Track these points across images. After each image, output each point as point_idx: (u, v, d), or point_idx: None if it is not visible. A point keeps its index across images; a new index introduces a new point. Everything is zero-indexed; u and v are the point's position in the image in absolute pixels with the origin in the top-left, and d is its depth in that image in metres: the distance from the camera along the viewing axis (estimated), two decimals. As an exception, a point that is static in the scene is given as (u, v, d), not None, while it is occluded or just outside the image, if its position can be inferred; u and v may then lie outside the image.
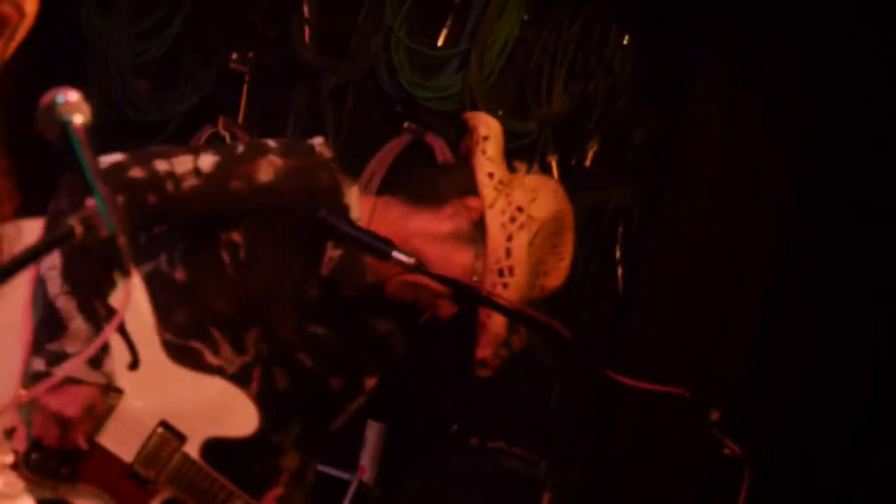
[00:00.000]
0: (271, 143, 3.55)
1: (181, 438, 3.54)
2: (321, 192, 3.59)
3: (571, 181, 5.06)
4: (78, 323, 3.35)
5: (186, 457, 3.54)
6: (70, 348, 3.34)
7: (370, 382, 3.92)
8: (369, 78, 5.44)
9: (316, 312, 3.63)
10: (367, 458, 4.93)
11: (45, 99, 2.39)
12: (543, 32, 5.16)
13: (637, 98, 5.04)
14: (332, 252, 3.66)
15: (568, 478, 4.05)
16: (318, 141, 3.66)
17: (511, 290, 3.67)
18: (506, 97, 5.22)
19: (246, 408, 3.58)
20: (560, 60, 5.13)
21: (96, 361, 3.40)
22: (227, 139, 5.42)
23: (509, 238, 3.59)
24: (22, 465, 3.44)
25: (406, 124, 5.35)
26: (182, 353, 3.56)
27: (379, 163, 5.35)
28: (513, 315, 3.88)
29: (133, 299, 3.22)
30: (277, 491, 3.87)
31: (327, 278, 3.62)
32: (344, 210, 3.64)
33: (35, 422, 3.45)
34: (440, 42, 5.37)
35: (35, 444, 3.45)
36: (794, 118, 4.75)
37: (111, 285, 3.38)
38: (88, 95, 3.81)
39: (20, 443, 3.45)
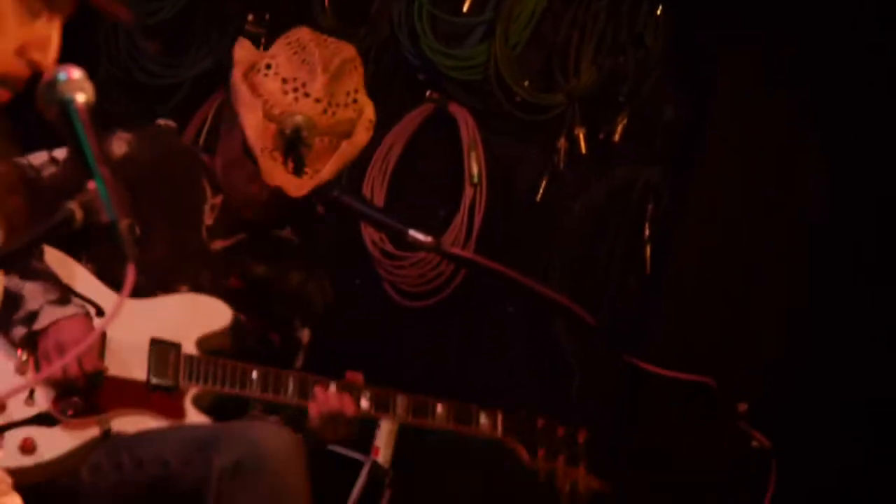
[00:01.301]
0: (115, 127, 3.98)
1: (176, 345, 3.83)
2: (179, 153, 4.05)
3: (599, 156, 4.98)
4: (29, 286, 3.67)
5: (190, 356, 3.83)
6: (34, 306, 3.66)
7: (304, 336, 4.17)
8: (390, 45, 5.29)
9: (224, 266, 3.98)
10: (381, 439, 4.81)
11: (47, 76, 2.29)
12: (573, 4, 5.01)
13: (668, 73, 4.89)
14: (213, 200, 3.99)
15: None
16: (159, 121, 4.14)
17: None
18: (532, 68, 5.07)
19: (214, 304, 3.91)
20: (589, 33, 4.98)
21: (63, 300, 3.69)
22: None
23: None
24: (60, 415, 3.68)
25: (428, 93, 5.21)
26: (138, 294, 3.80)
27: (399, 133, 5.21)
28: (540, 299, 3.90)
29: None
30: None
31: (213, 226, 3.97)
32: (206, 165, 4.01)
33: (46, 369, 3.65)
34: (465, 8, 5.23)
35: (62, 394, 3.69)
36: (828, 96, 4.62)
37: (39, 250, 3.72)
38: (96, 57, 3.69)
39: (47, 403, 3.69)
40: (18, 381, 3.67)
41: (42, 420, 3.69)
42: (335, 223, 4.95)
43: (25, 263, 3.68)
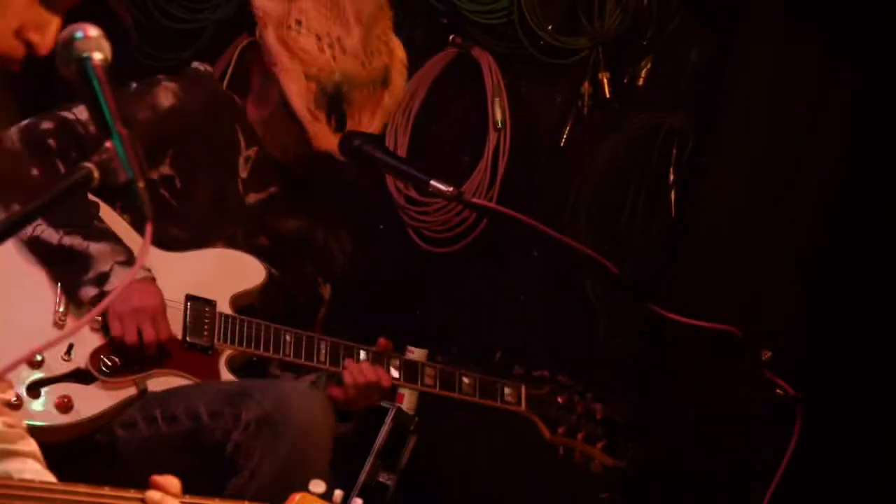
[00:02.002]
0: (158, 75, 3.98)
1: (211, 303, 3.84)
2: (220, 101, 4.01)
3: (624, 101, 4.94)
4: (95, 247, 3.69)
5: (225, 315, 3.84)
6: (104, 267, 3.67)
7: (326, 292, 4.21)
8: (413, -12, 5.25)
9: (258, 222, 3.99)
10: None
11: (64, 34, 2.27)
12: (596, -55, 4.96)
13: (693, 15, 4.83)
14: (247, 153, 3.99)
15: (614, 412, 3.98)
16: (196, 64, 4.12)
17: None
18: (556, 12, 5.02)
19: (249, 261, 3.93)
20: (613, -25, 4.94)
21: (132, 261, 3.71)
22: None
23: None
24: (97, 373, 3.69)
25: (451, 38, 5.17)
26: (167, 246, 3.86)
27: (422, 78, 5.18)
28: (562, 246, 3.92)
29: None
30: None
31: (247, 179, 3.97)
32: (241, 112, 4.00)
33: (117, 328, 3.68)
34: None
35: (99, 352, 3.70)
36: (855, 38, 4.55)
37: (95, 207, 3.78)
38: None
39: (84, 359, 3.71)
40: (55, 334, 3.66)
41: (79, 377, 3.70)
42: (359, 169, 4.95)
43: (87, 223, 3.71)
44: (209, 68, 4.15)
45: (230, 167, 3.97)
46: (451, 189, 3.72)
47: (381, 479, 4.85)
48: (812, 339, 4.42)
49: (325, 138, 3.85)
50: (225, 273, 3.90)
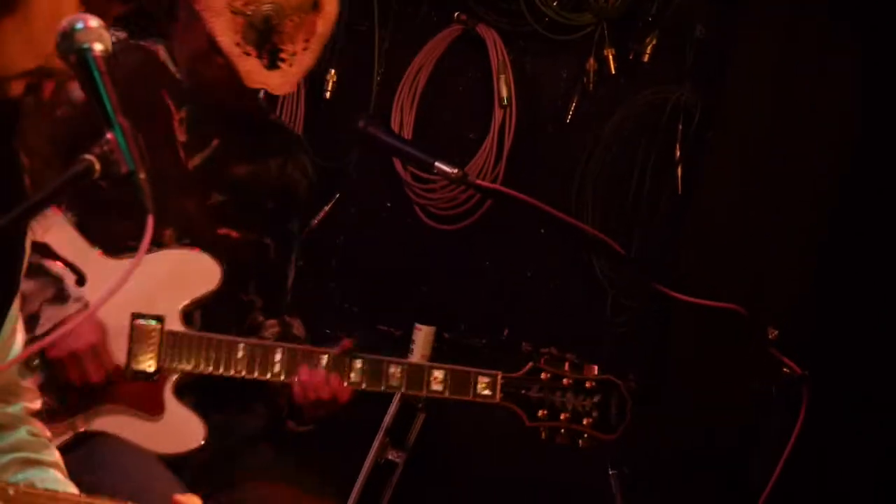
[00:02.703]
0: None
1: (159, 320, 3.61)
2: (140, 73, 3.76)
3: (629, 77, 4.93)
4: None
5: (173, 333, 3.61)
6: (32, 307, 3.44)
7: (294, 227, 3.99)
8: (419, -34, 5.24)
9: (206, 183, 3.77)
10: (415, 359, 4.82)
11: (64, 24, 2.26)
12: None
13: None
14: (180, 114, 3.78)
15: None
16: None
17: None
18: (561, -13, 5.01)
19: (202, 261, 3.69)
20: (616, -49, 4.91)
21: (60, 297, 3.51)
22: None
23: None
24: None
25: (456, 14, 5.15)
26: (118, 250, 3.60)
27: (427, 55, 5.17)
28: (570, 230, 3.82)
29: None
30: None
31: (187, 142, 3.77)
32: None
33: (59, 373, 3.48)
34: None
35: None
36: (859, 13, 4.53)
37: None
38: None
39: None
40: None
41: None
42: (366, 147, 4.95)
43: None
44: (122, 34, 3.92)
45: (167, 136, 3.77)
46: (455, 171, 3.71)
47: (389, 457, 4.86)
48: (817, 317, 4.41)
49: (258, 74, 3.65)
50: (176, 279, 3.67)
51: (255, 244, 3.87)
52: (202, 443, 3.65)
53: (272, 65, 3.66)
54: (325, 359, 3.69)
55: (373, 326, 5.19)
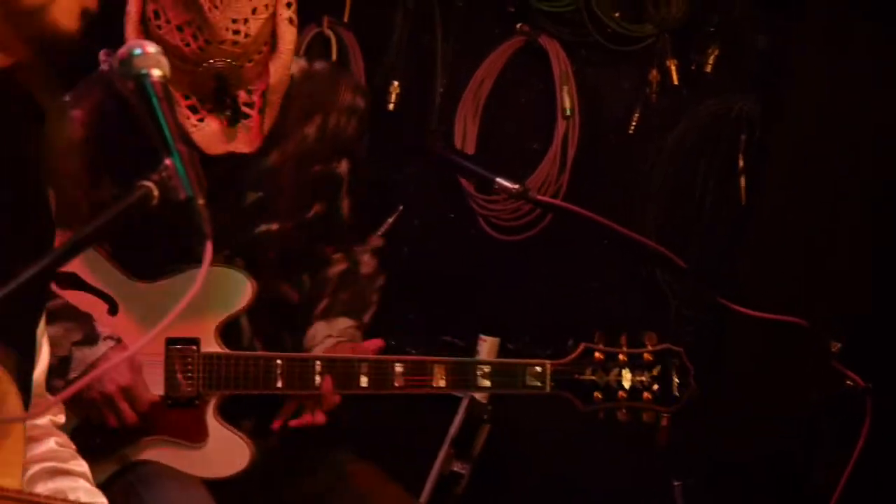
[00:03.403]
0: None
1: (195, 343, 3.53)
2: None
3: (691, 87, 4.92)
4: (49, 331, 3.25)
5: (208, 356, 3.54)
6: (62, 352, 3.37)
7: (342, 168, 3.79)
8: (480, -23, 5.25)
9: (234, 181, 3.58)
10: (479, 374, 4.82)
11: (123, 51, 2.29)
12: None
13: (759, 1, 4.80)
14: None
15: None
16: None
17: None
18: (623, -1, 5.01)
19: (231, 277, 3.57)
20: (678, -38, 4.91)
21: (91, 339, 3.43)
22: (333, 40, 5.27)
23: None
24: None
25: (519, 25, 5.16)
26: (152, 274, 3.53)
27: (490, 66, 5.17)
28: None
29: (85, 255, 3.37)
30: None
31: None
32: None
33: (94, 416, 3.47)
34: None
35: (76, 434, 3.28)
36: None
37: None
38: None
39: None
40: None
41: None
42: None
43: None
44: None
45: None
46: (516, 186, 3.71)
47: (455, 469, 4.87)
48: (880, 328, 4.37)
49: (217, 141, 3.49)
50: (207, 299, 3.56)
51: (299, 224, 3.74)
52: (249, 464, 3.63)
53: (233, 122, 3.50)
54: (363, 367, 3.62)
55: (437, 338, 5.20)
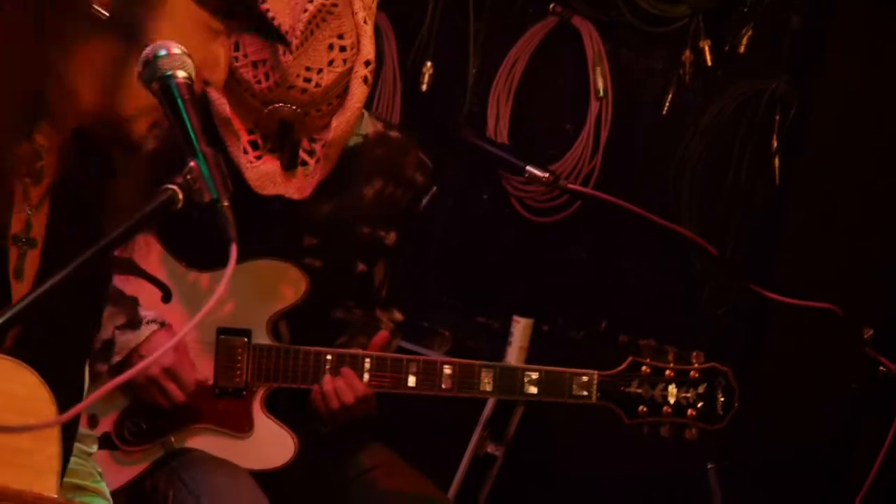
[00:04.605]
0: None
1: (245, 334, 3.59)
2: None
3: (725, 68, 4.89)
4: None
5: (259, 347, 3.60)
6: (105, 334, 3.41)
7: (388, 239, 3.84)
8: (513, -41, 5.22)
9: (296, 223, 3.64)
10: (512, 356, 4.83)
11: (147, 52, 2.29)
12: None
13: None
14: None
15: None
16: None
17: None
18: (657, -21, 4.97)
19: (288, 271, 3.61)
20: (711, -58, 4.87)
21: (133, 323, 3.46)
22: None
23: None
24: (120, 443, 3.56)
25: (552, 6, 5.13)
26: (205, 263, 3.57)
27: (523, 47, 5.15)
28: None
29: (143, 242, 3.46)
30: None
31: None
32: None
33: (142, 396, 3.51)
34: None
35: (124, 416, 3.54)
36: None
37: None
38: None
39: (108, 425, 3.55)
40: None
41: (106, 442, 3.57)
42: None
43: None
44: None
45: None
46: (546, 175, 3.71)
47: (488, 451, 4.87)
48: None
49: (270, 181, 3.53)
50: (261, 291, 3.63)
51: (342, 270, 3.81)
52: (293, 457, 3.67)
53: (290, 167, 3.52)
54: (412, 367, 3.66)
55: (470, 319, 5.20)
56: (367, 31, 3.56)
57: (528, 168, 3.73)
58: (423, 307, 5.17)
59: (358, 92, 3.54)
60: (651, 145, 5.03)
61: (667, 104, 4.96)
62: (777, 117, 4.76)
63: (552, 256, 5.18)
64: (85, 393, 2.57)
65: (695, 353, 3.77)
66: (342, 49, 3.46)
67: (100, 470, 2.73)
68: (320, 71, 3.44)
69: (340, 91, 3.53)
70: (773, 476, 4.60)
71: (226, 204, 2.17)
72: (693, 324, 4.84)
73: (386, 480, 3.78)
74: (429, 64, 5.22)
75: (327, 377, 3.65)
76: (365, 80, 3.55)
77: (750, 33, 4.81)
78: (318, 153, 3.56)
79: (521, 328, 4.93)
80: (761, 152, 4.81)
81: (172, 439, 3.65)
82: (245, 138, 3.51)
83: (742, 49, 4.83)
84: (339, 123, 3.55)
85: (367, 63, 3.54)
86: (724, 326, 4.79)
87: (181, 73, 2.27)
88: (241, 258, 3.32)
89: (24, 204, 2.43)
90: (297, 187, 3.57)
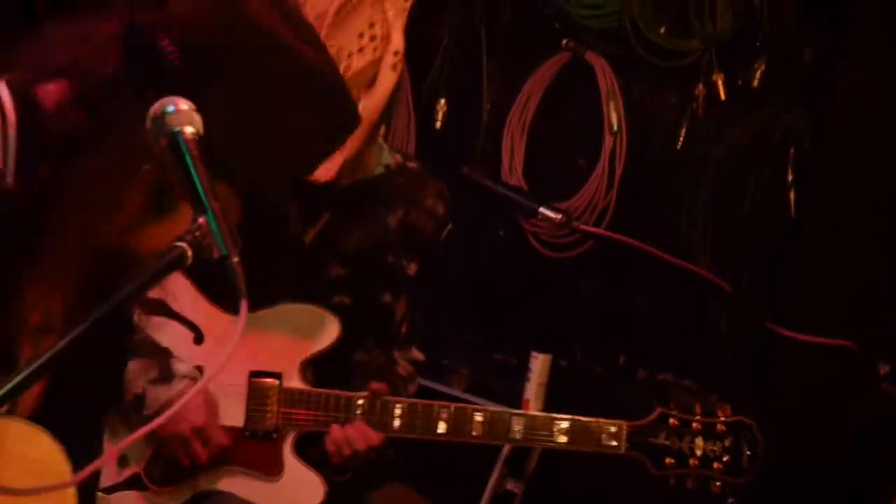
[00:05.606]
0: None
1: (277, 377, 3.58)
2: None
3: (738, 102, 4.89)
4: (130, 365, 3.42)
5: (290, 391, 3.59)
6: (137, 388, 3.43)
7: (411, 269, 3.84)
8: (525, -5, 5.23)
9: (321, 254, 3.64)
10: (531, 392, 4.82)
11: (155, 107, 2.28)
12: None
13: (806, 14, 4.77)
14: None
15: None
16: None
17: None
18: (668, 14, 4.97)
19: (320, 317, 3.62)
20: (723, -25, 4.87)
21: (165, 377, 3.47)
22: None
23: None
24: (150, 483, 3.57)
25: (564, 42, 5.15)
26: (234, 304, 3.52)
27: (536, 83, 5.17)
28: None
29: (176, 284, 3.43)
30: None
31: (300, 216, 3.62)
32: None
33: (167, 450, 3.52)
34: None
35: (156, 457, 3.55)
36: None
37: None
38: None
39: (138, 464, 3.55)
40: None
41: (132, 483, 3.59)
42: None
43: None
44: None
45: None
46: (559, 216, 3.71)
47: (508, 488, 4.86)
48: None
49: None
50: (294, 335, 3.62)
51: (369, 304, 3.80)
52: (322, 502, 3.65)
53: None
54: (443, 413, 3.63)
55: (488, 354, 5.20)
56: (398, 25, 3.60)
57: (541, 210, 3.73)
58: (440, 345, 5.17)
59: (387, 80, 3.57)
60: (665, 179, 5.03)
61: (681, 138, 4.97)
62: (791, 150, 4.76)
63: (568, 291, 5.18)
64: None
65: (720, 406, 3.78)
66: (372, 38, 3.50)
67: None
68: (350, 55, 3.47)
69: (369, 80, 3.55)
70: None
71: (235, 259, 2.16)
72: (712, 355, 4.83)
73: None
74: (442, 101, 5.23)
75: (335, 427, 3.63)
76: (394, 67, 3.58)
77: (763, 67, 4.82)
78: None
79: (539, 364, 4.93)
80: (775, 186, 4.80)
81: (201, 483, 3.65)
82: None
83: (755, 83, 4.84)
84: (367, 103, 3.55)
85: (396, 53, 3.57)
86: (738, 360, 4.77)
87: (189, 129, 2.25)
88: (273, 298, 3.51)
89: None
90: (323, 168, 3.47)
